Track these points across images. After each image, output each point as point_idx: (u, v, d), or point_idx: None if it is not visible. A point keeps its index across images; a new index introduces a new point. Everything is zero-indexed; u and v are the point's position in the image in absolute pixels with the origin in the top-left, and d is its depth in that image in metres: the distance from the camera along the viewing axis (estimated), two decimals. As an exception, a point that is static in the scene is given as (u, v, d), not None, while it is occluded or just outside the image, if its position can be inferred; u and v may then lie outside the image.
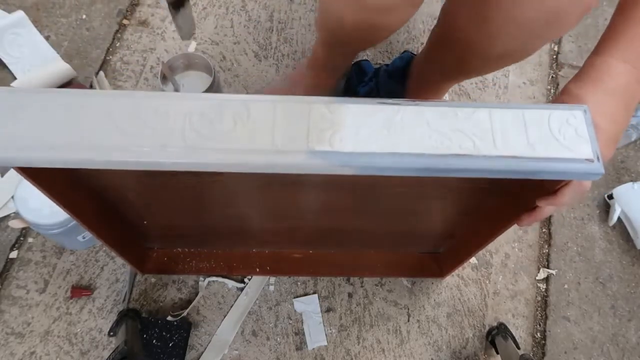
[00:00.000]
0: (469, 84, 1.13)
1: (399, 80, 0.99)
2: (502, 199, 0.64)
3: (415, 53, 1.05)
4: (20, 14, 1.07)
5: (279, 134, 0.43)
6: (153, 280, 0.90)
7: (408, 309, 0.91)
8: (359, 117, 0.44)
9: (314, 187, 0.64)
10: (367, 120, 0.44)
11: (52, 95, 0.43)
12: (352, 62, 1.00)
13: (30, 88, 0.43)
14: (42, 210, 0.79)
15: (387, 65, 1.03)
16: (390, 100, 0.45)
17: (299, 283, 0.91)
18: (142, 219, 0.76)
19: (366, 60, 1.06)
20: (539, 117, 0.46)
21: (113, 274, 0.89)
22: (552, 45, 1.21)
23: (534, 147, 0.44)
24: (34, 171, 0.48)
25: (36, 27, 1.09)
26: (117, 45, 1.12)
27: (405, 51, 1.05)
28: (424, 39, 1.17)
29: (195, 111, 0.44)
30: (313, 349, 0.86)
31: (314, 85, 0.93)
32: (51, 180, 0.52)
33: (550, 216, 1.01)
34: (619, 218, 0.99)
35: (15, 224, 0.88)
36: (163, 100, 0.44)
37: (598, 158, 0.44)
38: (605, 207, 1.02)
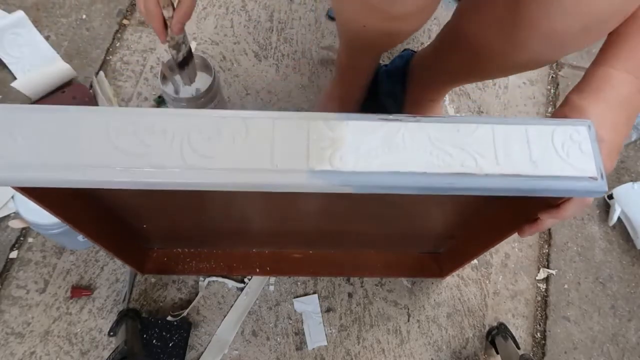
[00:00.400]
0: (469, 84, 1.13)
1: (398, 80, 0.99)
2: (504, 208, 0.63)
3: (415, 51, 1.05)
4: (20, 14, 1.07)
5: (278, 153, 0.43)
6: (153, 280, 0.90)
7: (408, 309, 0.91)
8: (359, 135, 0.44)
9: (314, 195, 0.64)
10: (367, 138, 0.44)
11: (49, 114, 0.43)
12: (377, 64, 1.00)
13: (26, 106, 0.43)
14: (42, 210, 0.79)
15: (386, 65, 1.03)
16: (391, 117, 0.45)
17: (299, 283, 0.91)
18: (142, 224, 0.76)
19: None
20: (542, 133, 0.45)
21: (113, 274, 0.89)
22: (552, 45, 1.21)
23: (537, 164, 0.44)
24: (31, 189, 0.48)
25: (36, 27, 1.09)
26: (117, 45, 1.12)
27: (405, 49, 1.05)
28: (424, 39, 1.17)
29: (193, 129, 0.43)
30: (313, 349, 0.86)
31: (346, 90, 0.93)
32: (49, 195, 0.52)
33: (550, 216, 1.01)
34: (619, 218, 0.99)
35: (15, 224, 0.88)
36: (160, 117, 0.43)
37: (602, 175, 0.44)
38: (605, 207, 1.02)
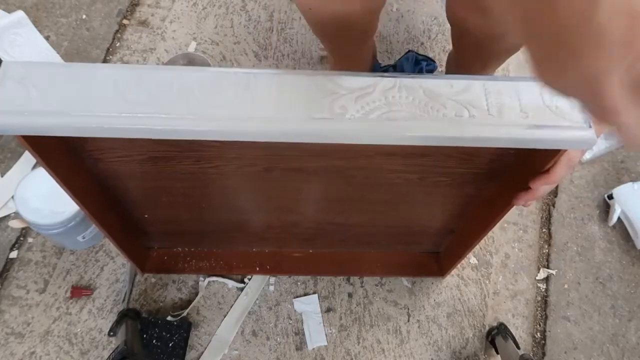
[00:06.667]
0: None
1: None
2: (500, 185, 0.64)
3: (418, 52, 1.05)
4: (20, 14, 1.07)
5: (279, 103, 0.44)
6: (153, 280, 0.90)
7: (408, 309, 0.91)
8: (358, 88, 0.46)
9: (314, 174, 0.64)
10: (365, 90, 0.46)
11: (61, 68, 0.45)
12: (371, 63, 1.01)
13: (39, 62, 0.46)
14: (42, 210, 0.79)
15: (393, 66, 1.04)
16: (387, 74, 0.47)
17: (299, 283, 0.91)
18: (143, 213, 0.76)
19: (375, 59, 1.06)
20: (531, 88, 0.47)
21: (113, 274, 0.89)
22: (552, 45, 1.21)
23: (528, 115, 0.46)
24: (40, 146, 0.50)
25: (36, 27, 1.09)
26: (117, 45, 1.12)
27: (409, 51, 1.06)
28: (424, 39, 1.18)
29: (198, 82, 0.45)
30: (313, 349, 0.86)
31: None
32: (56, 158, 0.53)
33: (550, 216, 1.01)
34: (619, 218, 0.99)
35: (15, 224, 0.88)
36: (167, 72, 0.46)
37: (590, 125, 0.45)
38: (605, 207, 1.02)
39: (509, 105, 0.46)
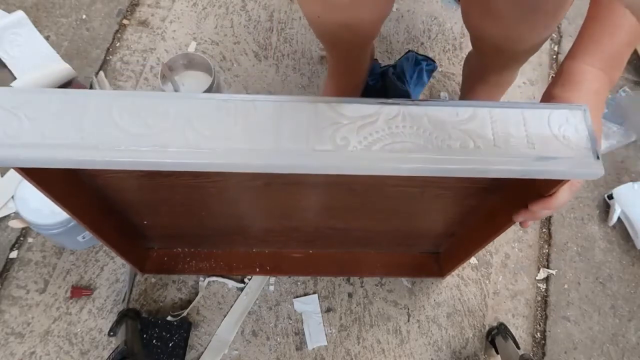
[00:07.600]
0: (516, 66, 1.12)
1: (407, 81, 1.01)
2: (502, 199, 0.64)
3: (418, 52, 1.05)
4: (20, 14, 1.07)
5: (280, 134, 0.43)
6: (153, 280, 0.90)
7: (408, 309, 0.91)
8: (360, 117, 0.44)
9: (315, 187, 0.64)
10: (368, 120, 0.44)
11: (53, 95, 0.43)
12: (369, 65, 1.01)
13: (31, 88, 0.44)
14: (42, 210, 0.79)
15: (393, 67, 1.03)
16: (390, 100, 0.46)
17: (299, 283, 0.91)
18: (142, 219, 0.76)
19: (374, 59, 1.06)
20: (538, 116, 0.46)
21: (113, 274, 0.89)
22: (552, 46, 1.21)
23: (534, 146, 0.44)
24: (34, 172, 0.49)
25: (36, 27, 1.09)
26: (117, 45, 1.12)
27: (409, 51, 1.05)
28: (424, 39, 1.18)
29: (195, 111, 0.44)
30: (313, 349, 0.86)
31: (340, 89, 0.95)
32: (51, 180, 0.52)
33: (550, 216, 1.01)
34: (619, 218, 0.99)
35: (15, 224, 0.88)
36: (163, 99, 0.44)
37: (598, 157, 0.45)
38: (605, 207, 1.02)
39: (515, 135, 0.45)
